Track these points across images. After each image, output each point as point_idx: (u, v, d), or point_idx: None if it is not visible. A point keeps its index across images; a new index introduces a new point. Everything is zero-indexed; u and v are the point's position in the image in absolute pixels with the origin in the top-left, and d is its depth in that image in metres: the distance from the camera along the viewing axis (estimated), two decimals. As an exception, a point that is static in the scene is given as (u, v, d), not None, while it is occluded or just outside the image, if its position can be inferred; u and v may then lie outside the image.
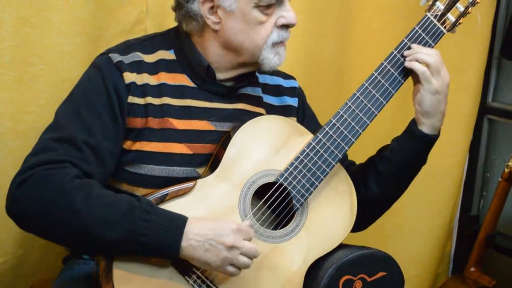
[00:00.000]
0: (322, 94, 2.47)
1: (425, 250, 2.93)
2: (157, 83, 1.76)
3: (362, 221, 1.87)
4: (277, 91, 1.95)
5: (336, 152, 1.75)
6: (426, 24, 1.79)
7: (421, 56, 1.75)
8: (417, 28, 1.79)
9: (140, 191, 1.74)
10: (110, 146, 1.69)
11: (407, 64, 1.77)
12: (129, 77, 1.73)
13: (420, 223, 2.88)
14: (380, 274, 1.77)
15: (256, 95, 1.89)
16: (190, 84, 1.79)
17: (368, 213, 1.90)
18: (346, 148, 1.75)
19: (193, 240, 1.60)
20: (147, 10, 2.19)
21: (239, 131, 1.73)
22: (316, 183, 1.74)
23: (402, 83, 1.79)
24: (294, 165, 1.73)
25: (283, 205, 1.74)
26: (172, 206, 1.65)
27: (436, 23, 1.79)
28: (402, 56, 1.78)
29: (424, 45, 1.79)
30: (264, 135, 1.76)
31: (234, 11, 1.73)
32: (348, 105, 1.76)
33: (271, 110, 1.90)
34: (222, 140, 1.77)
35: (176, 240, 1.59)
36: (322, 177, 1.74)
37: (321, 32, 2.50)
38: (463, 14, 1.82)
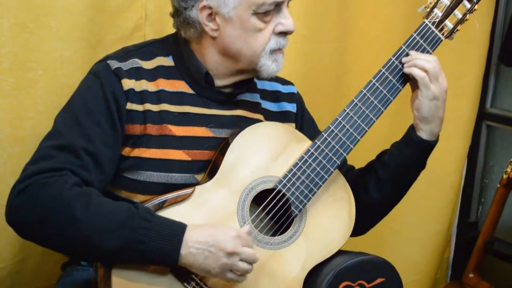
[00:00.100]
0: (320, 100, 2.48)
1: (423, 256, 2.93)
2: (155, 89, 1.76)
3: (362, 226, 1.87)
4: (275, 97, 1.95)
5: (334, 158, 1.75)
6: (424, 31, 1.79)
7: (420, 62, 1.75)
8: (415, 35, 1.79)
9: (138, 198, 1.74)
10: (109, 153, 1.69)
11: (406, 70, 1.77)
12: (128, 83, 1.73)
13: (418, 229, 2.88)
14: (379, 280, 1.77)
15: (254, 101, 1.89)
16: (189, 90, 1.79)
17: (368, 218, 1.90)
18: (345, 154, 1.75)
19: (192, 247, 1.60)
20: (146, 16, 2.19)
21: (238, 138, 1.73)
22: (315, 189, 1.74)
23: (400, 90, 1.79)
24: (293, 171, 1.73)
25: (281, 212, 1.74)
26: (170, 213, 1.65)
27: (434, 30, 1.80)
28: (400, 63, 1.78)
29: (422, 51, 1.79)
30: (263, 141, 1.76)
31: (232, 18, 1.73)
32: (346, 112, 1.76)
33: (270, 116, 1.90)
34: (221, 147, 1.77)
35: (176, 247, 1.59)
36: (320, 183, 1.74)
37: (320, 39, 2.50)
38: (461, 21, 1.82)
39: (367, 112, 1.77)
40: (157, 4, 2.17)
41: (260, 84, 1.93)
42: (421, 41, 1.79)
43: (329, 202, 1.79)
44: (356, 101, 1.77)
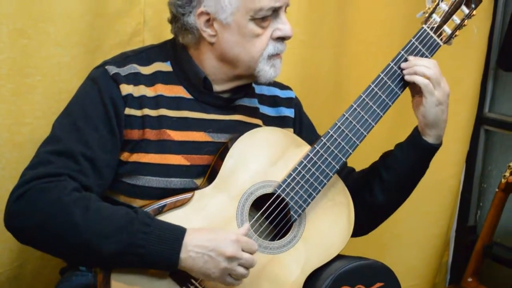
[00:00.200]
0: (319, 105, 2.48)
1: (422, 261, 2.93)
2: (154, 94, 1.76)
3: (366, 227, 1.91)
4: (273, 102, 1.95)
5: (333, 163, 1.75)
6: (423, 36, 1.80)
7: (421, 70, 1.76)
8: (413, 40, 1.80)
9: (137, 203, 1.74)
10: (107, 158, 1.69)
11: (407, 77, 1.77)
12: (126, 89, 1.73)
13: (417, 233, 2.88)
14: (378, 284, 1.77)
15: (252, 106, 1.89)
16: (187, 95, 1.80)
17: (373, 219, 1.93)
18: (343, 159, 1.76)
19: (192, 251, 1.60)
20: (145, 21, 2.19)
21: (237, 143, 1.74)
22: (314, 194, 1.74)
23: (399, 95, 1.79)
24: (292, 176, 1.73)
25: (280, 216, 1.75)
26: (169, 218, 1.65)
27: (433, 35, 1.80)
28: (399, 68, 1.78)
29: (421, 57, 1.79)
30: (262, 146, 1.76)
31: (230, 24, 1.73)
32: (345, 117, 1.76)
33: (268, 121, 1.91)
34: (220, 151, 1.77)
35: (175, 251, 1.59)
36: (319, 188, 1.74)
37: (318, 44, 2.51)
38: (459, 26, 1.83)
39: (366, 117, 1.77)
40: (156, 10, 2.18)
41: (258, 89, 1.93)
42: (420, 47, 1.79)
43: (328, 207, 1.79)
44: (355, 106, 1.77)
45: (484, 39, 2.81)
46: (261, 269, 1.71)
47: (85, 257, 1.63)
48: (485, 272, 2.78)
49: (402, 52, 1.79)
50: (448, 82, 1.81)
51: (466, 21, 1.83)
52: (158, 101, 1.76)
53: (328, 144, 1.75)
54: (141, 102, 1.74)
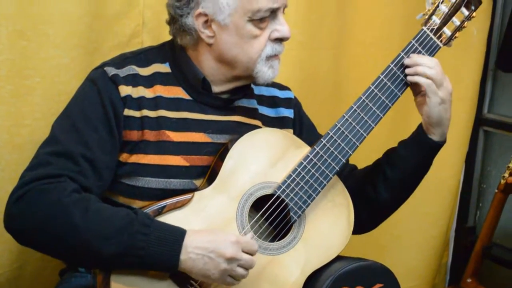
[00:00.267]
0: (318, 107, 2.47)
1: (421, 262, 2.93)
2: (153, 95, 1.76)
3: (369, 224, 1.92)
4: (272, 102, 1.95)
5: (333, 164, 1.75)
6: (423, 37, 1.80)
7: (423, 70, 1.76)
8: (413, 41, 1.80)
9: (137, 204, 1.74)
10: (107, 159, 1.69)
11: (410, 78, 1.77)
12: (125, 90, 1.73)
13: (417, 234, 2.88)
14: (378, 285, 1.78)
15: (251, 107, 1.90)
16: (186, 96, 1.80)
17: (376, 216, 1.94)
18: (343, 160, 1.76)
19: (192, 253, 1.60)
20: (144, 23, 2.19)
21: (237, 144, 1.74)
22: (314, 195, 1.74)
23: (399, 96, 1.79)
24: (292, 177, 1.73)
25: (280, 217, 1.75)
26: (169, 219, 1.65)
27: (432, 37, 1.80)
28: (399, 69, 1.78)
29: (421, 58, 1.80)
30: (262, 147, 1.76)
31: (228, 25, 1.73)
32: (345, 118, 1.77)
33: (267, 121, 1.91)
34: (220, 152, 1.77)
35: (175, 253, 1.59)
36: (319, 189, 1.74)
37: (317, 45, 2.51)
38: (459, 28, 1.83)
39: (365, 118, 1.77)
40: (155, 11, 2.18)
41: (257, 90, 1.93)
42: (420, 48, 1.79)
43: (328, 208, 1.79)
44: (355, 107, 1.77)
45: (483, 40, 2.81)
46: (261, 270, 1.71)
47: (85, 258, 1.63)
48: (484, 273, 2.78)
49: (402, 54, 1.79)
50: (447, 83, 1.82)
51: (466, 22, 1.83)
52: (157, 102, 1.76)
53: (328, 145, 1.75)
54: (140, 103, 1.74)
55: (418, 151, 1.84)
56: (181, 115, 1.78)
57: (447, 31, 1.81)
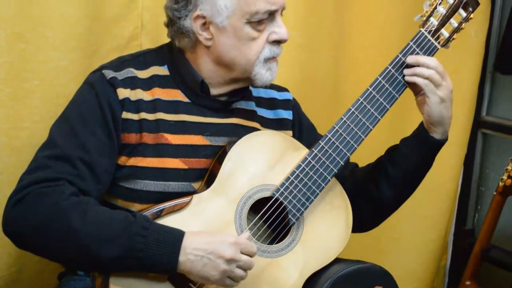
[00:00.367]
0: (316, 109, 2.47)
1: (420, 264, 2.92)
2: (151, 98, 1.76)
3: (371, 222, 1.93)
4: (271, 104, 1.95)
5: (331, 166, 1.75)
6: (421, 39, 1.80)
7: (421, 71, 1.76)
8: (411, 43, 1.80)
9: (135, 207, 1.74)
10: (105, 163, 1.69)
11: (408, 78, 1.78)
12: (123, 93, 1.73)
13: (415, 237, 2.88)
14: (376, 288, 1.78)
15: (250, 109, 1.89)
16: (184, 99, 1.80)
17: (378, 214, 1.94)
18: (341, 162, 1.76)
19: (191, 254, 1.59)
20: (142, 25, 2.19)
21: (235, 146, 1.74)
22: (312, 197, 1.74)
23: (397, 98, 1.79)
24: (290, 179, 1.73)
25: (279, 220, 1.74)
26: (168, 222, 1.65)
27: (430, 38, 1.80)
28: (397, 71, 1.78)
29: (419, 60, 1.80)
30: (260, 150, 1.76)
31: (226, 27, 1.73)
32: (343, 120, 1.77)
33: (266, 123, 1.91)
34: (218, 155, 1.77)
35: (174, 255, 1.59)
36: (318, 191, 1.74)
37: (315, 48, 2.51)
38: (457, 30, 1.83)
39: (364, 120, 1.77)
40: (153, 14, 2.18)
41: (256, 92, 1.93)
42: (418, 50, 1.79)
43: (326, 210, 1.79)
44: (353, 109, 1.77)
45: (482, 42, 2.81)
46: (260, 273, 1.71)
47: (84, 262, 1.63)
48: (483, 275, 2.78)
49: (400, 56, 1.79)
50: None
51: (463, 24, 1.83)
52: (155, 105, 1.76)
53: (326, 147, 1.75)
54: (138, 106, 1.74)
55: (419, 149, 1.85)
56: (179, 118, 1.78)
57: (445, 32, 1.81)
